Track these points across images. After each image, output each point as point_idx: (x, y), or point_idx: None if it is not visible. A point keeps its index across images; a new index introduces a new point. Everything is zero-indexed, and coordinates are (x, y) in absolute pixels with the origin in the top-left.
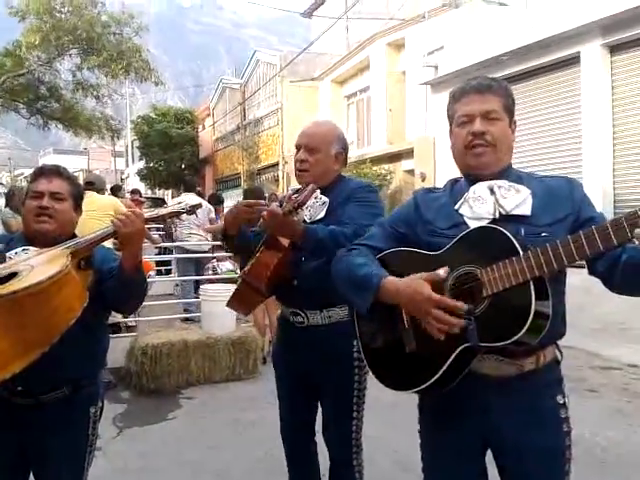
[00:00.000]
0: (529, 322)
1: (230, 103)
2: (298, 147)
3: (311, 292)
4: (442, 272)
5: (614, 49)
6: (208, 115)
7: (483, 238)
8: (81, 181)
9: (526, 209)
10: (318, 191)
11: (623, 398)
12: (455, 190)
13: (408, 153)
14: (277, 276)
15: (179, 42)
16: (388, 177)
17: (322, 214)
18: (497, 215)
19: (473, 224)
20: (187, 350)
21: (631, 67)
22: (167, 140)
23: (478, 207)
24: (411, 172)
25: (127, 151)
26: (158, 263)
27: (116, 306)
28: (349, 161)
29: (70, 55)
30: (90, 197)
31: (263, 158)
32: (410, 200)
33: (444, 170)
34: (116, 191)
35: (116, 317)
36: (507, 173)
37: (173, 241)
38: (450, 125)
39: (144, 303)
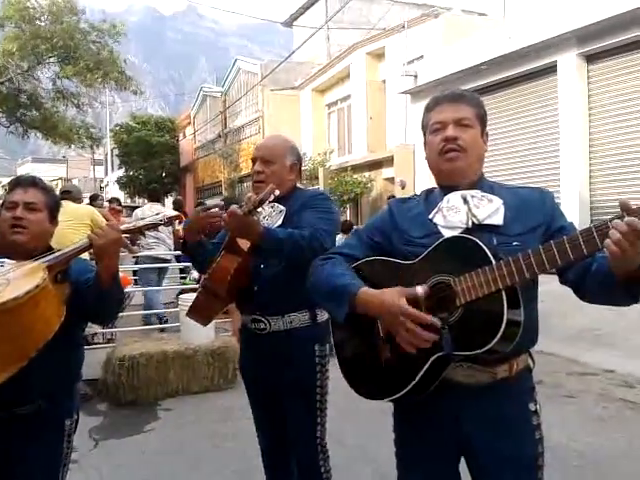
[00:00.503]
0: (502, 330)
1: (211, 111)
2: (254, 160)
3: (272, 298)
4: (420, 290)
5: (590, 58)
6: (189, 123)
7: (457, 247)
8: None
9: (498, 219)
10: (277, 192)
11: (600, 404)
12: (429, 199)
13: (388, 161)
14: (237, 281)
15: (160, 50)
16: (369, 185)
17: (279, 222)
18: (470, 224)
19: (447, 233)
20: (165, 361)
21: (606, 76)
22: (147, 148)
23: (452, 216)
24: (391, 180)
25: (106, 159)
26: (135, 272)
27: (93, 318)
28: (330, 169)
29: (49, 63)
30: (66, 207)
31: (244, 166)
32: (385, 209)
33: (424, 178)
34: (94, 200)
35: (92, 327)
36: (480, 183)
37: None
38: (424, 136)
39: (122, 313)
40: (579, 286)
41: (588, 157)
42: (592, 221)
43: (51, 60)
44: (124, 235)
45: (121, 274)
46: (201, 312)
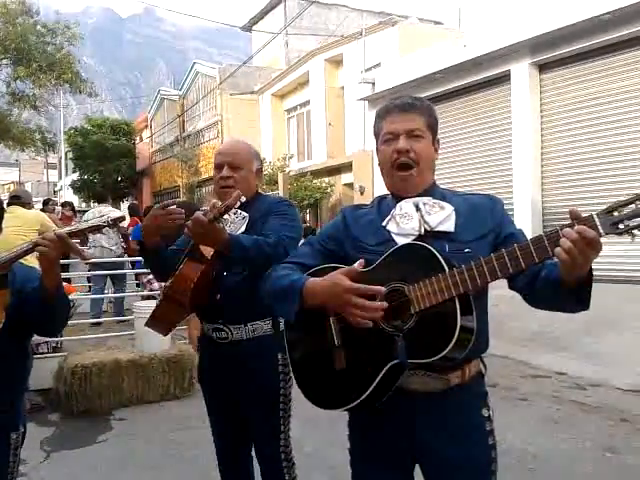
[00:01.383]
0: (455, 337)
1: (169, 115)
2: (220, 166)
3: (235, 306)
4: (357, 265)
5: (542, 67)
6: (146, 127)
7: (410, 255)
8: (7, 194)
9: (450, 225)
10: (243, 198)
11: (553, 406)
12: (382, 207)
13: (347, 167)
14: (200, 289)
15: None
16: (328, 190)
17: (242, 228)
18: (422, 231)
19: (400, 240)
20: (119, 370)
21: (558, 85)
22: (102, 152)
23: (404, 223)
24: (350, 185)
25: (60, 163)
26: (90, 279)
27: (39, 328)
28: (290, 174)
29: (1, 66)
30: (15, 212)
31: (203, 171)
32: (338, 217)
33: (383, 184)
34: (45, 205)
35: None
36: (432, 191)
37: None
38: (377, 142)
39: (74, 321)
40: (528, 292)
41: (540, 164)
42: (544, 227)
43: (3, 62)
44: (74, 240)
45: (65, 284)
46: (162, 321)
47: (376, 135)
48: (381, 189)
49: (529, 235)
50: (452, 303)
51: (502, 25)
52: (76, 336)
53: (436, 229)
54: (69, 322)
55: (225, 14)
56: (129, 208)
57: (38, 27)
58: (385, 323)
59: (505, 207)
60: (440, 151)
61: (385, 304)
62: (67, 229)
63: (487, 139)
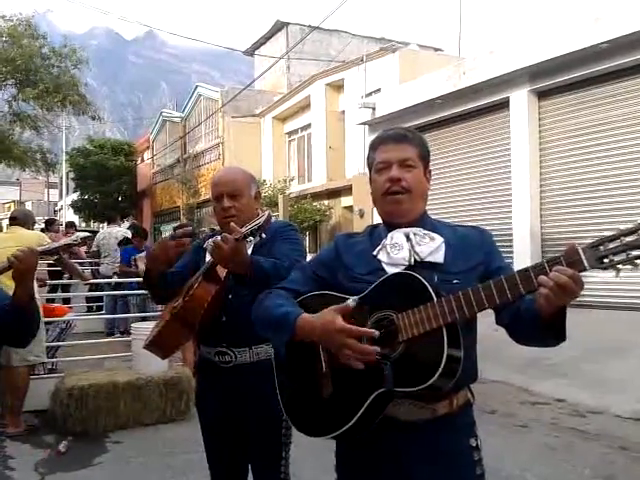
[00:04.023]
0: (442, 367)
1: (170, 136)
2: (219, 197)
3: (240, 329)
4: (350, 302)
5: (541, 95)
6: (147, 148)
7: (400, 284)
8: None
9: (439, 257)
10: (274, 218)
11: (552, 433)
12: (374, 236)
13: (347, 190)
14: (210, 311)
15: (120, 74)
16: (328, 213)
17: (249, 252)
18: (412, 261)
19: (390, 270)
20: (116, 392)
21: (557, 112)
22: (103, 172)
23: (395, 253)
24: (350, 208)
25: (61, 182)
26: (89, 299)
27: (7, 338)
28: (290, 196)
29: (6, 85)
30: (15, 232)
31: (203, 192)
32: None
33: None
34: (50, 225)
35: (40, 357)
36: (423, 221)
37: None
38: (370, 172)
39: (72, 342)
40: (512, 329)
41: (539, 190)
42: (543, 253)
43: (9, 83)
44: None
45: (56, 305)
46: (165, 343)
47: (370, 165)
48: None
49: (528, 262)
50: (440, 332)
51: (502, 52)
52: (72, 357)
53: (426, 260)
54: (65, 342)
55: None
56: (133, 228)
57: (45, 50)
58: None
59: (504, 233)
60: (439, 177)
61: (377, 348)
62: (41, 248)
63: (486, 165)
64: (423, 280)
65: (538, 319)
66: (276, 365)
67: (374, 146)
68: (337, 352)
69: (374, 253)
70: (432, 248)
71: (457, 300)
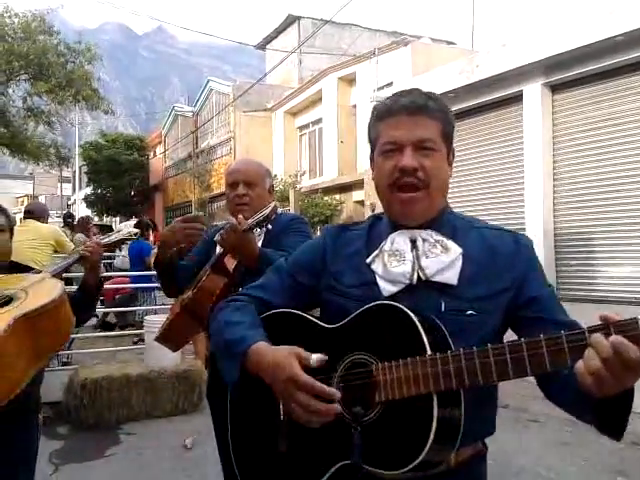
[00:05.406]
0: (428, 446)
1: (182, 131)
2: (235, 184)
3: None
4: (314, 360)
5: (555, 88)
6: (160, 142)
7: (387, 319)
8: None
9: (452, 276)
10: (280, 210)
11: (565, 428)
12: (373, 232)
13: (359, 184)
14: (219, 303)
15: (132, 69)
16: (339, 207)
17: (259, 244)
18: (415, 280)
19: (384, 286)
20: (128, 384)
21: (571, 105)
22: (116, 166)
23: (394, 266)
24: (362, 203)
25: (74, 177)
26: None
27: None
28: (301, 190)
29: (19, 80)
30: (29, 225)
31: (215, 186)
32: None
33: None
34: (67, 218)
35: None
36: (440, 222)
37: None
38: (372, 150)
39: (85, 334)
40: (544, 385)
41: (552, 185)
42: (556, 248)
43: (22, 77)
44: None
45: None
46: (176, 335)
47: (372, 141)
48: None
49: (542, 260)
50: (429, 398)
51: (515, 45)
52: (86, 349)
53: (433, 279)
54: (79, 335)
55: (239, 32)
56: (143, 223)
57: (59, 47)
58: (342, 407)
59: (516, 229)
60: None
61: (338, 408)
62: (104, 240)
63: (499, 159)
64: (416, 321)
65: (586, 397)
66: (231, 395)
67: (380, 116)
68: (286, 405)
69: (368, 260)
70: (444, 264)
71: (456, 361)
